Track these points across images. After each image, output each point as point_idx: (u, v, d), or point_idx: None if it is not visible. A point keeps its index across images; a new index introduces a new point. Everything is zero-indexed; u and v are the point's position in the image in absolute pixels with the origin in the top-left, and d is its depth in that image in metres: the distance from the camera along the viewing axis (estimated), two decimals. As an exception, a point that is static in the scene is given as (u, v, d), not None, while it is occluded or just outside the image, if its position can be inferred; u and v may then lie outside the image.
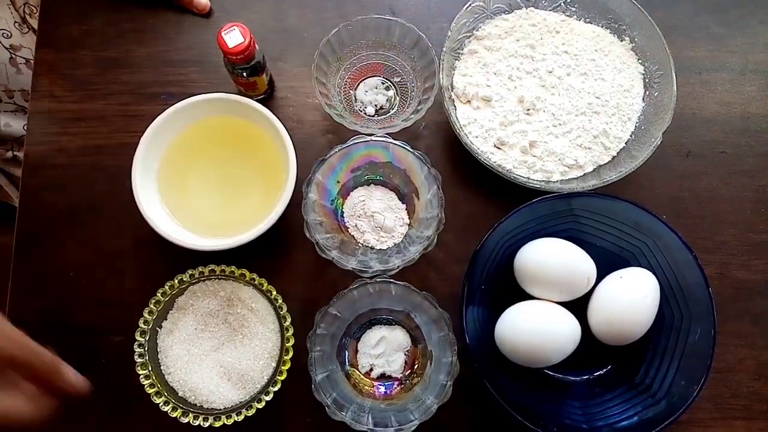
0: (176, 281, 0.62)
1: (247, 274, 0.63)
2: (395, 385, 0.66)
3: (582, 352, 0.63)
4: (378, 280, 0.61)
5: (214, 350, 0.64)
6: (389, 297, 0.64)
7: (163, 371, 0.63)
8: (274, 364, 0.63)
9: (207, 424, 0.60)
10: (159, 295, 0.62)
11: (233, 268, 0.63)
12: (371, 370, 0.66)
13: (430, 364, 0.63)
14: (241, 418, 0.60)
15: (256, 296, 0.65)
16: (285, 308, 0.63)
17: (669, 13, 0.78)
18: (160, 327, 0.64)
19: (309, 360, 0.59)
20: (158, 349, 0.63)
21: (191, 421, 0.60)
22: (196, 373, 0.62)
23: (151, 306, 0.62)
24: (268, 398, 0.60)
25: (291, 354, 0.62)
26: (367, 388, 0.65)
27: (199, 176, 0.69)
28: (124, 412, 0.66)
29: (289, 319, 0.63)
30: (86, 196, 0.71)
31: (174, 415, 0.60)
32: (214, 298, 0.65)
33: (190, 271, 0.63)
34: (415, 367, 0.66)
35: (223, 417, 0.60)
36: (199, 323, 0.64)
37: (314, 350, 0.59)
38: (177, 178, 0.68)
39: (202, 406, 0.62)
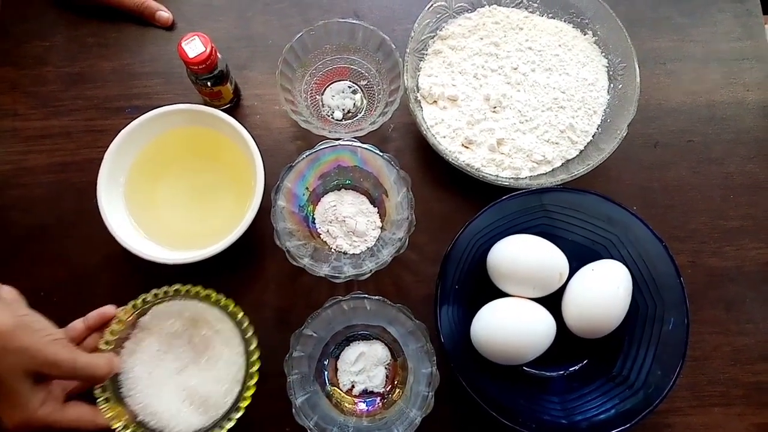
0: (139, 301, 0.60)
1: (213, 294, 0.61)
2: (377, 401, 0.65)
3: (558, 348, 0.63)
4: (351, 296, 0.60)
5: (177, 373, 0.61)
6: (364, 312, 0.64)
7: (123, 393, 0.59)
8: (238, 389, 0.60)
9: None
10: (121, 314, 0.59)
11: (199, 288, 0.61)
12: (353, 387, 0.65)
13: (411, 376, 0.63)
14: None
15: (221, 318, 0.62)
16: (251, 332, 0.61)
17: (631, 6, 0.78)
18: (122, 347, 0.60)
19: (288, 384, 0.57)
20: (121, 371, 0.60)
21: None
22: (156, 396, 0.59)
23: (113, 326, 0.59)
24: (229, 425, 0.58)
25: (255, 379, 0.59)
26: (349, 406, 0.64)
27: (167, 189, 0.68)
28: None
29: (254, 344, 0.60)
30: (54, 214, 0.70)
31: None
32: (178, 319, 0.62)
33: (154, 291, 0.60)
34: (396, 381, 0.65)
35: None
36: (163, 344, 0.61)
37: (292, 373, 0.58)
38: (144, 191, 0.68)
39: (162, 431, 0.59)
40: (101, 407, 0.57)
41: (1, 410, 0.51)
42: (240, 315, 0.61)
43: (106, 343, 0.58)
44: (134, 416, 0.59)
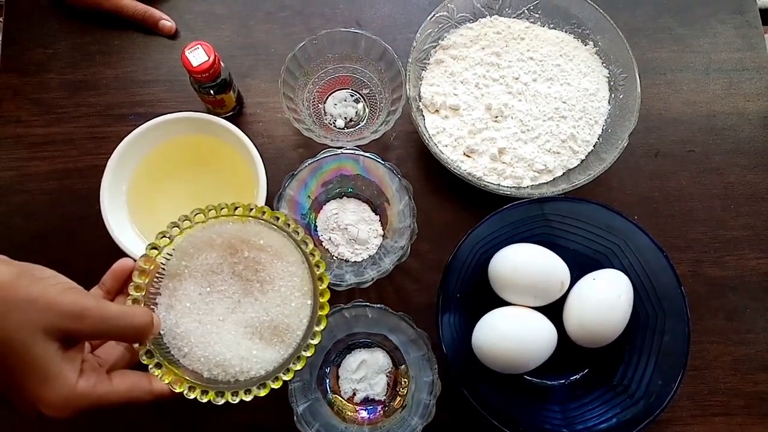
0: (159, 240, 0.49)
1: (242, 207, 0.51)
2: (379, 409, 0.65)
3: (559, 357, 0.63)
4: (353, 304, 0.61)
5: (231, 311, 0.51)
6: (366, 320, 0.64)
7: (175, 356, 0.49)
8: (309, 301, 0.52)
9: (251, 397, 0.48)
10: (142, 262, 0.48)
11: (220, 206, 0.51)
12: (354, 395, 0.65)
13: (412, 384, 0.63)
14: (290, 375, 0.49)
15: (260, 231, 0.52)
16: (301, 232, 0.52)
17: (632, 16, 0.79)
18: (156, 304, 0.50)
19: (289, 391, 0.58)
20: (161, 332, 0.49)
21: (230, 399, 0.48)
22: (217, 344, 0.50)
23: (136, 279, 0.48)
24: (315, 341, 0.50)
25: (327, 282, 0.51)
26: (350, 413, 0.64)
27: (169, 196, 0.68)
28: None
29: (311, 244, 0.52)
30: (57, 220, 0.70)
31: (206, 399, 0.47)
32: (211, 250, 0.52)
33: (171, 223, 0.50)
34: (398, 388, 0.65)
35: (269, 381, 0.49)
36: (202, 286, 0.51)
37: (293, 381, 0.58)
38: (147, 199, 0.68)
39: (237, 379, 0.50)
40: (155, 373, 0.47)
41: (30, 390, 0.40)
42: (282, 217, 0.52)
43: (134, 302, 0.48)
44: (199, 375, 0.49)
